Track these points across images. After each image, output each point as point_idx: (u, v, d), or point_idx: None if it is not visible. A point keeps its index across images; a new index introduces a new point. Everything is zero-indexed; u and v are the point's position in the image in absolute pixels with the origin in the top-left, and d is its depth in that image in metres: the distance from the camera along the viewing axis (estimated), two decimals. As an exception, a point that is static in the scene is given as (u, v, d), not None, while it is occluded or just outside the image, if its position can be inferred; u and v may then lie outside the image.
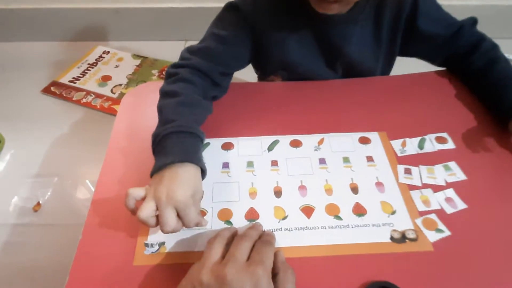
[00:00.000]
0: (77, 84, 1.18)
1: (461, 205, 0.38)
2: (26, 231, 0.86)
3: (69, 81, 1.19)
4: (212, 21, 0.52)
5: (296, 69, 0.54)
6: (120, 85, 1.18)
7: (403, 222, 0.37)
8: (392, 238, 0.36)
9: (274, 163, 0.43)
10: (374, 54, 0.54)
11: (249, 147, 0.45)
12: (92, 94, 1.15)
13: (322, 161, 0.43)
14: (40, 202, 0.90)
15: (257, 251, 0.31)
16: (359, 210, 0.38)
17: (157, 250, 0.36)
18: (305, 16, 0.50)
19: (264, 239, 0.33)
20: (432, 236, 0.36)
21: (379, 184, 0.40)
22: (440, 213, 0.38)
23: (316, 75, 0.54)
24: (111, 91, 1.16)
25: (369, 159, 0.43)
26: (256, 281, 0.27)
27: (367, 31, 0.51)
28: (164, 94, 0.44)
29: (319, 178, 0.41)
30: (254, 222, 0.37)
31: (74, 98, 1.14)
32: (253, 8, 0.48)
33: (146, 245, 0.36)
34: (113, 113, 1.09)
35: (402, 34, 0.51)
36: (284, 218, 0.38)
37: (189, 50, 0.49)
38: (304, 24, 0.50)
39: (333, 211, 0.38)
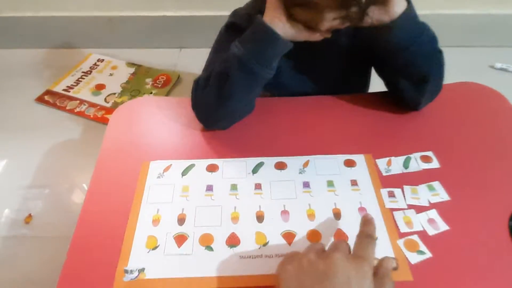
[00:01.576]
0: (71, 93, 1.18)
1: (443, 226, 0.38)
2: (18, 243, 0.85)
3: (63, 90, 1.19)
4: (213, 45, 0.53)
5: (283, 83, 0.54)
6: (114, 94, 1.18)
7: (384, 250, 0.37)
8: (371, 267, 0.35)
9: (258, 186, 0.43)
10: (358, 52, 0.53)
11: (233, 169, 0.45)
12: (85, 103, 1.15)
13: (306, 184, 0.43)
14: (32, 214, 0.90)
15: (361, 246, 0.31)
16: (340, 237, 0.38)
17: (136, 276, 0.36)
18: None
19: (364, 231, 0.33)
20: (414, 258, 0.36)
21: (362, 210, 0.40)
22: (422, 234, 0.38)
23: (303, 89, 0.55)
24: (105, 100, 1.16)
25: (353, 183, 0.43)
26: (362, 275, 0.28)
27: (349, 44, 0.51)
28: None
29: (302, 202, 0.41)
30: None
31: (67, 108, 1.14)
32: (247, 25, 0.48)
33: (126, 271, 0.36)
34: (106, 122, 1.08)
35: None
36: (265, 244, 0.38)
37: (201, 84, 0.48)
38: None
39: (314, 237, 0.38)
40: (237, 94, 0.46)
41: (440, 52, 0.47)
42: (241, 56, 0.43)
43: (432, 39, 0.46)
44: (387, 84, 0.52)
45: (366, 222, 0.35)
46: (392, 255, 0.36)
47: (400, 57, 0.45)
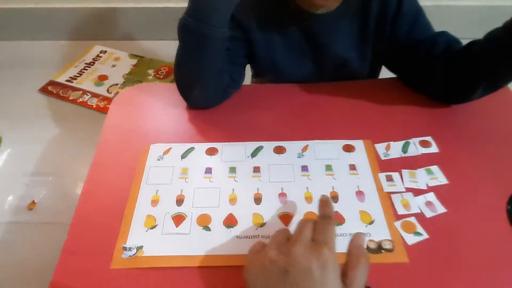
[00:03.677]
0: (74, 84, 1.19)
1: (440, 209, 0.38)
2: (21, 229, 0.87)
3: (66, 80, 1.20)
4: None
5: (282, 71, 0.54)
6: (116, 84, 1.19)
7: (381, 232, 0.37)
8: (368, 248, 0.36)
9: (257, 169, 0.43)
10: (361, 54, 0.53)
11: (233, 152, 0.45)
12: (88, 94, 1.16)
13: (304, 168, 0.43)
14: (35, 201, 0.91)
15: (319, 231, 0.31)
16: (337, 219, 0.38)
17: (134, 254, 0.36)
18: (291, 15, 0.50)
19: (323, 213, 0.33)
20: (410, 239, 0.36)
21: (359, 193, 0.40)
22: (420, 216, 0.38)
23: (303, 77, 0.54)
24: (107, 90, 1.17)
25: (352, 167, 0.43)
26: (323, 261, 0.28)
27: (353, 30, 0.51)
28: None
29: (300, 185, 0.41)
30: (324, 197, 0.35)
31: (70, 98, 1.15)
32: (238, 7, 0.47)
33: (124, 248, 0.37)
34: (108, 112, 1.10)
35: (388, 34, 0.51)
36: (262, 225, 0.38)
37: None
38: (290, 23, 0.51)
39: (311, 219, 0.38)
40: (189, 59, 0.45)
41: None
42: (181, 18, 0.42)
43: None
44: (421, 77, 0.49)
45: (323, 204, 0.34)
46: (389, 236, 0.36)
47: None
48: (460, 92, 0.47)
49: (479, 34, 0.47)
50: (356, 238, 0.31)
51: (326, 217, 0.32)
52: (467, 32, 0.45)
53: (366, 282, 0.29)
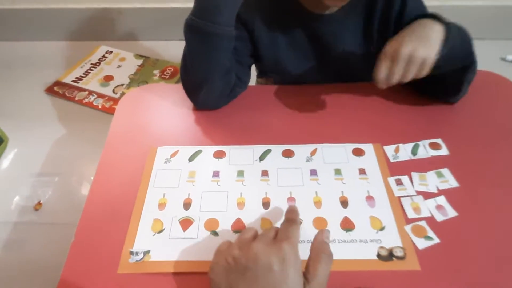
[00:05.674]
0: (80, 84, 1.20)
1: (451, 213, 0.38)
2: (27, 230, 0.87)
3: (72, 81, 1.21)
4: None
5: (287, 70, 0.54)
6: (122, 85, 1.19)
7: (392, 239, 0.36)
8: (379, 255, 0.35)
9: (265, 173, 0.43)
10: (365, 54, 0.52)
11: (241, 155, 0.45)
12: (94, 94, 1.16)
13: (313, 172, 0.42)
14: (41, 201, 0.91)
15: (282, 230, 0.32)
16: (347, 225, 0.38)
17: (141, 258, 0.36)
18: (296, 15, 0.50)
19: (287, 217, 0.34)
20: (421, 244, 0.35)
21: (369, 198, 0.40)
22: (430, 220, 0.37)
23: (307, 77, 0.54)
24: (113, 91, 1.17)
25: (362, 171, 0.42)
26: (284, 256, 0.28)
27: (358, 29, 0.50)
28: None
29: (309, 190, 0.41)
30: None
31: (76, 98, 1.15)
32: (243, 6, 0.46)
33: (131, 253, 0.36)
34: (114, 113, 1.10)
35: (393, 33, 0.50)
36: (271, 230, 0.38)
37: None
38: (295, 23, 0.50)
39: (320, 225, 0.38)
40: (196, 59, 0.45)
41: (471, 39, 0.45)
42: (187, 18, 0.43)
43: (465, 39, 0.44)
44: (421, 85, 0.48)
45: (289, 211, 0.35)
46: (400, 243, 0.36)
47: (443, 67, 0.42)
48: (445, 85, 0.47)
49: (484, 34, 0.46)
50: (320, 234, 0.32)
51: (289, 220, 0.33)
52: (472, 32, 0.45)
53: (328, 277, 0.29)
